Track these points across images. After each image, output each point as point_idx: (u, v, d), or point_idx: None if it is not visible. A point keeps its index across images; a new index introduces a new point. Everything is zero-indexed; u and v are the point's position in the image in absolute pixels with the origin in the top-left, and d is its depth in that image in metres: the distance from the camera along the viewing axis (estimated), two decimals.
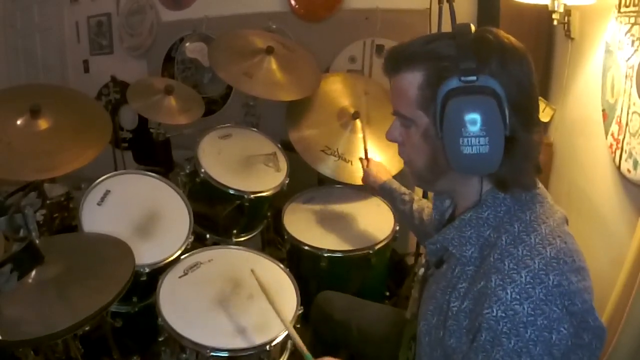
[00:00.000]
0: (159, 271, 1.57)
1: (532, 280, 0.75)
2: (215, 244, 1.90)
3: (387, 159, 1.97)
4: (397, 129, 0.92)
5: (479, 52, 0.79)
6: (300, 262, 1.84)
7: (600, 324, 0.78)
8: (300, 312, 1.48)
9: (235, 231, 1.95)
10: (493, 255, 0.81)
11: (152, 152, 2.45)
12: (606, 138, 1.41)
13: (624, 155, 1.30)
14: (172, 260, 1.61)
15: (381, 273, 1.94)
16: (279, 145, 2.10)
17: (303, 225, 1.88)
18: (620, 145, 1.32)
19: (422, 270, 1.08)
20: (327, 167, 1.99)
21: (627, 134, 1.28)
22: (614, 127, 1.35)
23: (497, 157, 0.79)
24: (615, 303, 1.22)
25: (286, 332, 1.39)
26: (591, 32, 1.59)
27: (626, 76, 1.29)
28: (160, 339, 1.44)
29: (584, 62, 1.65)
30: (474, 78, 0.78)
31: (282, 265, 1.65)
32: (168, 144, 2.43)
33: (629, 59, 1.28)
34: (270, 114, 2.26)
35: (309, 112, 2.12)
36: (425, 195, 1.74)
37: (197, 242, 1.81)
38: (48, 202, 1.92)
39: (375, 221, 1.92)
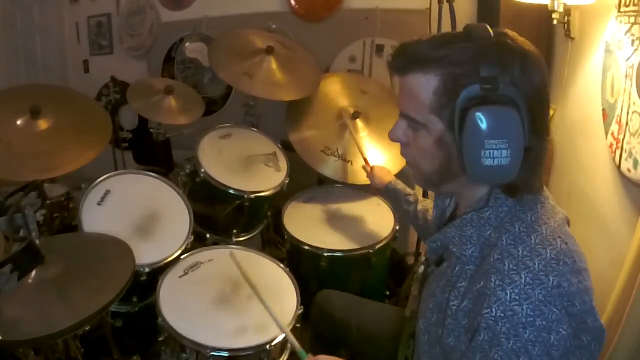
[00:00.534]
0: (159, 271, 1.57)
1: (531, 281, 0.75)
2: (215, 243, 1.90)
3: (387, 159, 1.97)
4: (401, 129, 0.89)
5: (500, 58, 0.76)
6: (300, 262, 1.84)
7: (600, 325, 0.78)
8: (300, 311, 1.48)
9: (235, 231, 1.95)
10: (493, 255, 0.80)
11: (152, 152, 2.45)
12: (606, 137, 1.41)
13: (624, 155, 1.30)
14: (172, 260, 1.61)
15: (381, 273, 1.94)
16: (279, 145, 2.10)
17: (303, 225, 1.88)
18: (620, 145, 1.32)
19: (422, 268, 1.08)
20: (327, 168, 1.99)
21: (627, 134, 1.28)
22: (614, 127, 1.35)
23: (516, 168, 0.78)
24: (615, 303, 1.22)
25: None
26: (591, 32, 1.59)
27: (626, 76, 1.29)
28: (160, 339, 1.44)
29: (583, 62, 1.65)
30: (495, 86, 0.76)
31: (282, 265, 1.65)
32: (168, 144, 2.43)
33: (628, 58, 1.28)
34: (270, 113, 2.26)
35: (309, 112, 2.12)
36: (425, 195, 1.75)
37: (197, 241, 1.81)
38: (48, 202, 1.91)
39: (376, 221, 1.92)
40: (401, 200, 1.56)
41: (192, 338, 1.34)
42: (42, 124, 1.70)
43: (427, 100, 0.82)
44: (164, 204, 1.76)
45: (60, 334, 1.21)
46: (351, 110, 2.06)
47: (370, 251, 1.77)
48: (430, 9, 1.87)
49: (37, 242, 1.27)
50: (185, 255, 1.63)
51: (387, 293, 2.02)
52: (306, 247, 1.78)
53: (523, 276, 0.76)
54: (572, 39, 1.72)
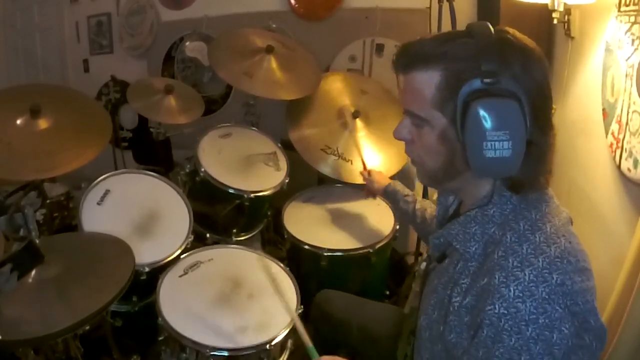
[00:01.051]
0: (159, 270, 1.57)
1: (535, 279, 0.75)
2: (215, 243, 1.90)
3: (386, 159, 1.97)
4: (406, 127, 0.90)
5: (501, 54, 0.78)
6: (301, 262, 1.84)
7: (602, 325, 0.78)
8: (300, 311, 1.48)
9: (235, 230, 1.95)
10: (497, 252, 0.81)
11: (152, 151, 2.45)
12: (606, 137, 1.40)
13: (624, 154, 1.30)
14: (172, 260, 1.61)
15: (381, 272, 1.94)
16: (279, 145, 2.10)
17: (303, 225, 1.88)
18: (620, 145, 1.32)
19: (423, 265, 1.08)
20: (327, 166, 1.99)
21: (628, 133, 1.28)
22: (614, 126, 1.35)
23: (518, 161, 0.79)
24: (615, 303, 1.22)
25: (286, 332, 1.39)
26: (591, 31, 1.58)
27: (626, 75, 1.29)
28: (160, 338, 1.44)
29: (584, 61, 1.65)
30: (496, 80, 0.77)
31: (282, 265, 1.65)
32: (168, 144, 2.43)
33: (629, 58, 1.28)
34: (270, 113, 2.26)
35: (309, 111, 2.11)
36: (425, 195, 1.75)
37: (197, 241, 1.81)
38: (48, 201, 1.92)
39: (376, 220, 1.91)
40: (399, 201, 1.58)
41: (192, 338, 1.34)
42: (42, 124, 1.70)
43: (430, 95, 0.83)
44: (164, 203, 1.76)
45: (60, 334, 1.21)
46: (351, 110, 2.07)
47: (371, 251, 1.77)
48: (430, 8, 1.87)
49: (37, 241, 1.27)
50: (185, 254, 1.63)
51: (387, 293, 2.02)
52: (306, 247, 1.78)
53: (527, 273, 0.76)
54: (573, 38, 1.72)
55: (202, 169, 1.86)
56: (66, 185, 2.06)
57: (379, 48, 2.52)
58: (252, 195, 1.86)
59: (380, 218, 1.92)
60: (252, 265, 1.60)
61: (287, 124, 2.07)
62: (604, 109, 1.43)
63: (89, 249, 1.50)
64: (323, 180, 2.15)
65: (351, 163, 1.99)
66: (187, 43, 2.78)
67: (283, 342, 1.42)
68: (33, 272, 1.29)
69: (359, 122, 2.06)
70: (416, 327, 0.99)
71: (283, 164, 2.04)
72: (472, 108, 0.77)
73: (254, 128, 2.16)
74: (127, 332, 1.66)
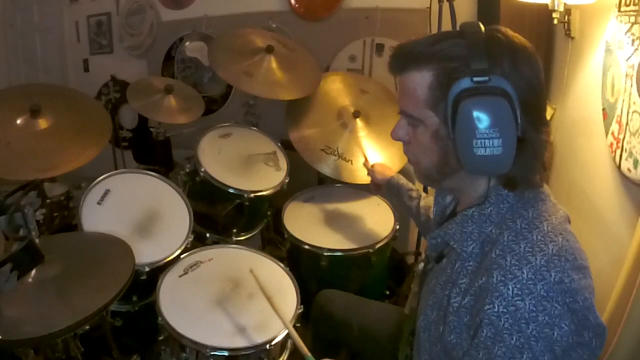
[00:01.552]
0: (159, 270, 1.57)
1: (533, 277, 0.75)
2: (215, 243, 1.90)
3: (386, 159, 1.97)
4: (403, 128, 0.91)
5: (490, 52, 0.78)
6: (301, 262, 1.84)
7: (601, 323, 0.78)
8: (300, 311, 1.48)
9: (235, 230, 1.95)
10: (495, 251, 0.81)
11: (152, 151, 2.45)
12: (606, 137, 1.40)
13: (624, 155, 1.30)
14: (172, 260, 1.61)
15: (381, 272, 1.94)
16: (279, 145, 2.10)
17: (303, 225, 1.88)
18: (620, 145, 1.32)
19: (421, 265, 1.08)
20: (327, 167, 1.99)
21: (628, 133, 1.28)
22: (614, 126, 1.35)
23: (510, 158, 0.79)
24: (615, 303, 1.22)
25: (286, 332, 1.39)
26: (591, 31, 1.58)
27: (626, 75, 1.29)
28: (160, 338, 1.44)
29: (584, 61, 1.65)
30: (486, 78, 0.77)
31: (282, 265, 1.65)
32: (168, 143, 2.43)
33: (629, 58, 1.28)
34: (270, 113, 2.26)
35: (309, 111, 2.12)
36: (425, 190, 1.75)
37: (197, 241, 1.81)
38: (48, 201, 1.92)
39: (376, 220, 1.92)
40: (404, 195, 1.56)
41: (192, 337, 1.34)
42: (42, 124, 1.70)
43: (422, 95, 0.84)
44: (164, 203, 1.76)
45: (60, 334, 1.20)
46: (351, 110, 2.07)
47: (371, 250, 1.77)
48: (430, 8, 1.87)
49: (37, 241, 1.27)
50: (185, 254, 1.63)
51: (387, 292, 2.02)
52: (306, 247, 1.78)
53: (525, 271, 0.76)
54: (573, 38, 1.72)
55: (202, 169, 1.86)
56: (66, 185, 2.05)
57: (379, 48, 2.52)
58: (252, 195, 1.86)
59: (380, 218, 1.93)
60: (252, 265, 1.60)
61: (287, 124, 2.07)
62: (604, 109, 1.43)
63: (89, 249, 1.50)
64: (323, 180, 2.16)
65: (351, 163, 1.99)
66: (187, 43, 2.78)
67: (283, 342, 1.42)
68: (33, 272, 1.29)
69: (359, 122, 2.06)
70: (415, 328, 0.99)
71: (283, 164, 2.04)
72: (462, 107, 0.78)
73: (254, 128, 2.16)
74: (127, 332, 1.66)
